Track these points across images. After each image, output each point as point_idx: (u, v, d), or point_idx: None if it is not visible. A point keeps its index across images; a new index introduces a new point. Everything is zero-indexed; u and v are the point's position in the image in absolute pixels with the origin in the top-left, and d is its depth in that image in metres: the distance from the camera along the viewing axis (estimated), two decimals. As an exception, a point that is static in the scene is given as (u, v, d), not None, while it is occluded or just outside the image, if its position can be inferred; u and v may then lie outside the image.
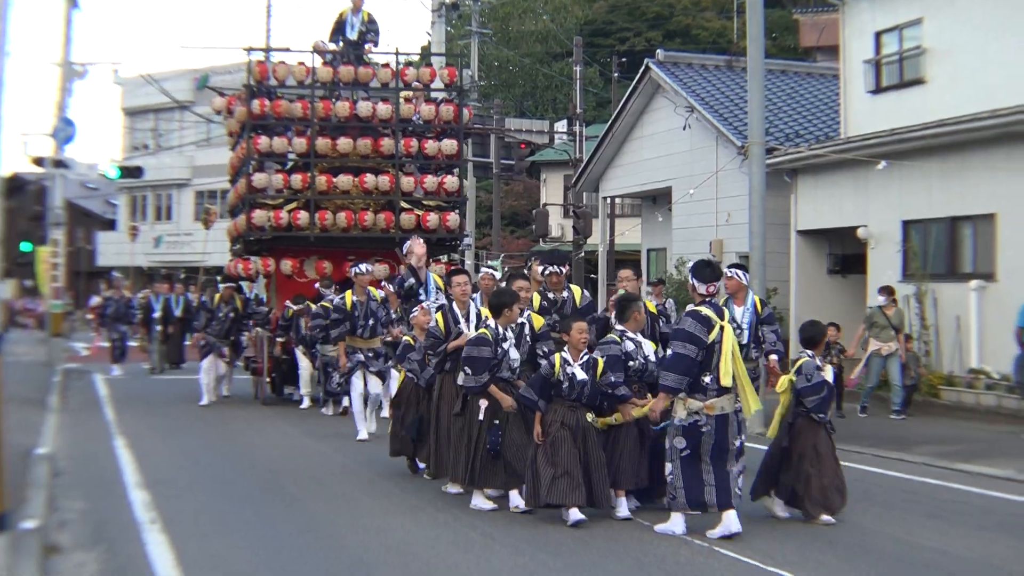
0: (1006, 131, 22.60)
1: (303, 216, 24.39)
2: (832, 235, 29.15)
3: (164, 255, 68.41)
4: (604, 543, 11.28)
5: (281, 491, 14.21)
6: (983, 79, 24.42)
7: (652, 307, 14.33)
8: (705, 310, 11.62)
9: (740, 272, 15.66)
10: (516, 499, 12.67)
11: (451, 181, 26.12)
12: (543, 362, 12.63)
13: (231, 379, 26.19)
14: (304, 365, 23.69)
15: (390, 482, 14.87)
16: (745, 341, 14.91)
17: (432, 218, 24.95)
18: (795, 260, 29.35)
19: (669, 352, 11.76)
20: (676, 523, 11.64)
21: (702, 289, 11.89)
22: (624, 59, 52.20)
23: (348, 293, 19.35)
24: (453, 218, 25.33)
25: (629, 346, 12.76)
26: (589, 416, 12.32)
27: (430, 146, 25.61)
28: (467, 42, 50.21)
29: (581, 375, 12.15)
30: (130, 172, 41.96)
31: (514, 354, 12.84)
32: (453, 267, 21.97)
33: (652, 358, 12.89)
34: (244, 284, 26.58)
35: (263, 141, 24.89)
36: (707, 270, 12.05)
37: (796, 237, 29.53)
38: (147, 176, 51.08)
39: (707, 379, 11.51)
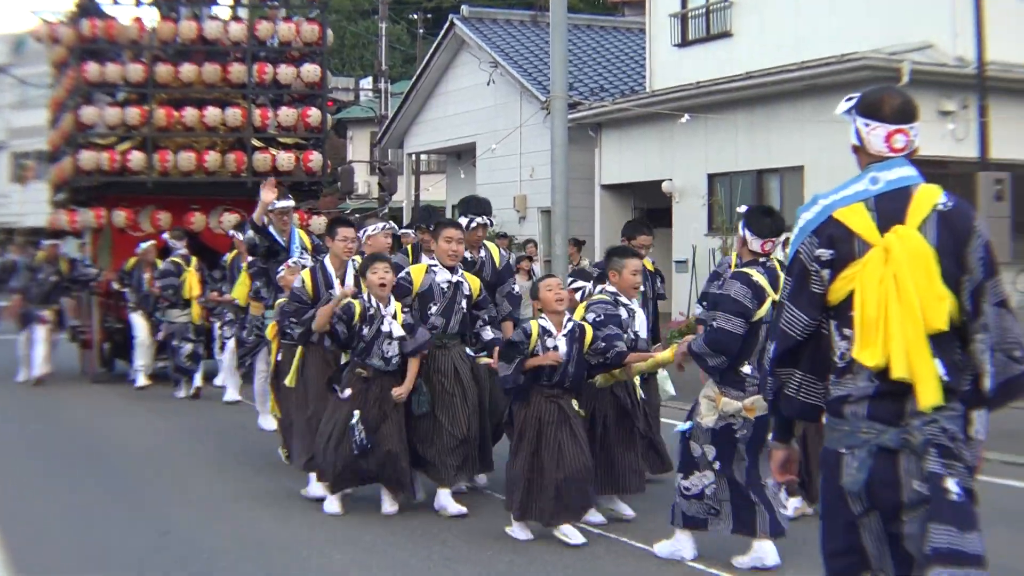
0: (814, 83, 21.38)
1: (137, 157, 19.64)
2: (637, 189, 27.99)
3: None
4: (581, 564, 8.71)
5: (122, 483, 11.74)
6: (792, 31, 23.51)
7: (650, 265, 11.60)
8: (756, 274, 8.37)
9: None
10: (443, 499, 10.12)
11: (314, 114, 20.69)
12: (500, 332, 10.43)
13: (52, 351, 20.36)
14: (142, 333, 18.81)
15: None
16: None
17: (287, 157, 20.17)
18: (599, 214, 28.11)
19: (709, 325, 8.69)
20: (683, 544, 8.72)
21: (755, 245, 8.57)
22: (430, 15, 50.80)
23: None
24: (315, 158, 20.41)
25: (622, 313, 9.78)
26: (574, 403, 9.39)
27: (286, 72, 20.49)
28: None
29: (563, 348, 9.19)
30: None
31: (397, 332, 9.92)
32: (337, 217, 16.24)
33: (644, 335, 10.00)
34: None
35: (93, 69, 19.88)
36: (766, 220, 8.68)
37: (600, 191, 28.38)
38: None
39: (747, 369, 8.33)
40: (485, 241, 11.60)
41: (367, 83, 48.71)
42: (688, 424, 8.58)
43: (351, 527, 9.79)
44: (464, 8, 34.41)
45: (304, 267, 11.66)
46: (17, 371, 20.16)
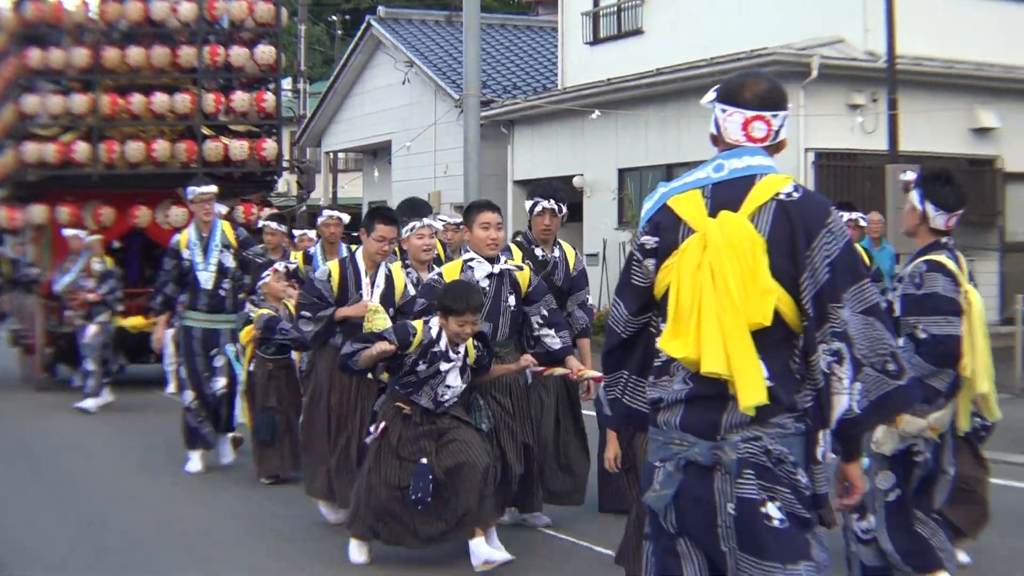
0: (723, 79, 20.36)
1: (82, 148, 17.40)
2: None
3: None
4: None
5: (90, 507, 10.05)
6: (702, 28, 23.17)
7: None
8: (946, 260, 6.37)
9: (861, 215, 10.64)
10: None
11: (269, 99, 18.30)
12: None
13: None
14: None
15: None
16: None
17: (240, 146, 17.78)
18: (511, 210, 27.21)
19: (919, 336, 6.39)
20: None
21: (940, 221, 6.47)
22: (348, 17, 50.08)
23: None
24: (270, 146, 18.07)
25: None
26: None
27: (239, 54, 17.98)
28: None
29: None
30: None
31: (452, 380, 7.66)
32: (376, 209, 10.69)
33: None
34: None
35: (35, 55, 17.56)
36: (948, 189, 6.50)
37: (513, 187, 27.72)
38: None
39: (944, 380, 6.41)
40: (560, 240, 9.35)
41: (287, 83, 47.73)
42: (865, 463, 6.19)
43: (269, 515, 9.31)
44: (380, 9, 34.08)
45: (289, 271, 10.61)
46: None
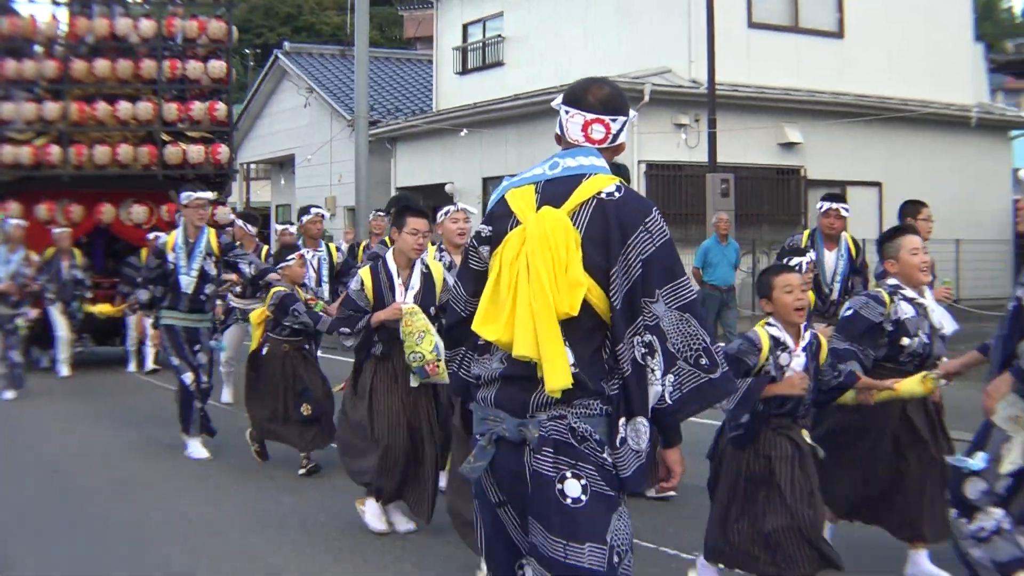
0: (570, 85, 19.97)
1: (55, 151, 15.76)
2: (425, 190, 26.08)
3: None
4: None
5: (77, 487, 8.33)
6: (553, 60, 22.73)
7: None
8: None
9: (842, 206, 8.96)
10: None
11: (220, 108, 16.61)
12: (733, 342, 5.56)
13: None
14: (61, 329, 15.02)
15: (219, 477, 8.67)
16: (836, 297, 8.82)
17: (197, 150, 16.18)
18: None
19: None
20: None
21: None
22: (259, 50, 48.87)
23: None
24: (223, 151, 16.46)
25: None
26: (806, 435, 5.28)
27: (194, 68, 16.41)
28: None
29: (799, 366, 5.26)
30: None
31: None
32: (406, 205, 7.66)
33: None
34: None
35: (10, 65, 15.88)
36: None
37: (396, 192, 26.34)
38: None
39: None
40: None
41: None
42: (982, 458, 4.74)
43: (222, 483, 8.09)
44: (286, 44, 33.60)
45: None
46: None
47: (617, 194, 3.37)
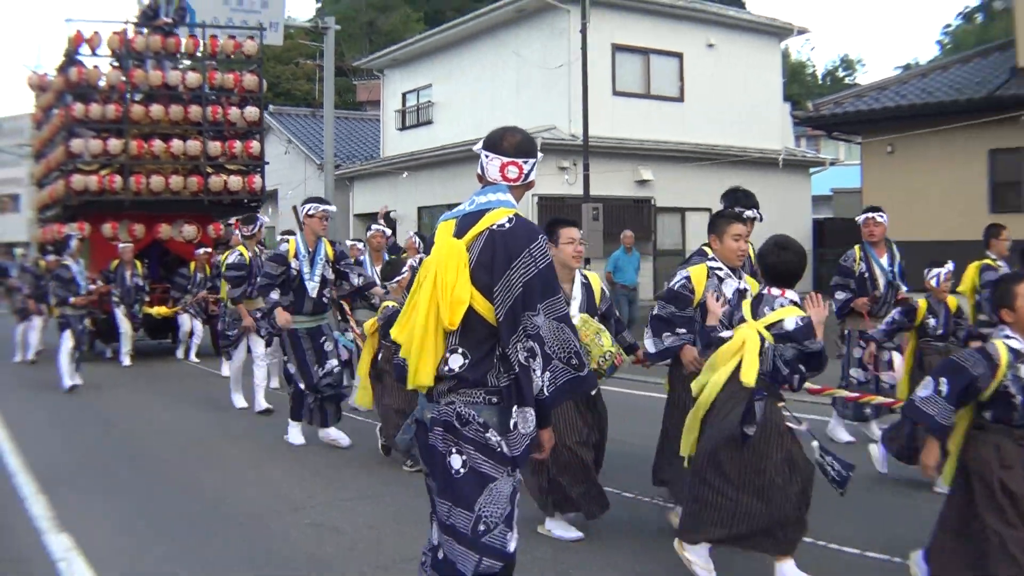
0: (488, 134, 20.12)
1: (117, 180, 15.24)
2: (375, 216, 26.10)
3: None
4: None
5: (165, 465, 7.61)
6: (469, 120, 22.69)
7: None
8: None
9: (878, 214, 7.76)
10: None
11: (255, 146, 16.25)
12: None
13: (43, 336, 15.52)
14: (124, 325, 14.50)
15: (295, 450, 8.06)
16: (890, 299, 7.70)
17: (237, 180, 15.78)
18: (352, 234, 26.21)
19: None
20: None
21: None
22: None
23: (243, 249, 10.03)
24: (258, 180, 16.03)
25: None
26: None
27: (233, 112, 15.89)
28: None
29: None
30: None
31: None
32: (556, 217, 5.81)
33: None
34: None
35: (79, 108, 15.30)
36: None
37: (354, 219, 26.60)
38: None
39: None
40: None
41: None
42: None
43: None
44: (270, 106, 32.78)
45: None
46: (14, 353, 15.58)
47: (508, 225, 3.23)
